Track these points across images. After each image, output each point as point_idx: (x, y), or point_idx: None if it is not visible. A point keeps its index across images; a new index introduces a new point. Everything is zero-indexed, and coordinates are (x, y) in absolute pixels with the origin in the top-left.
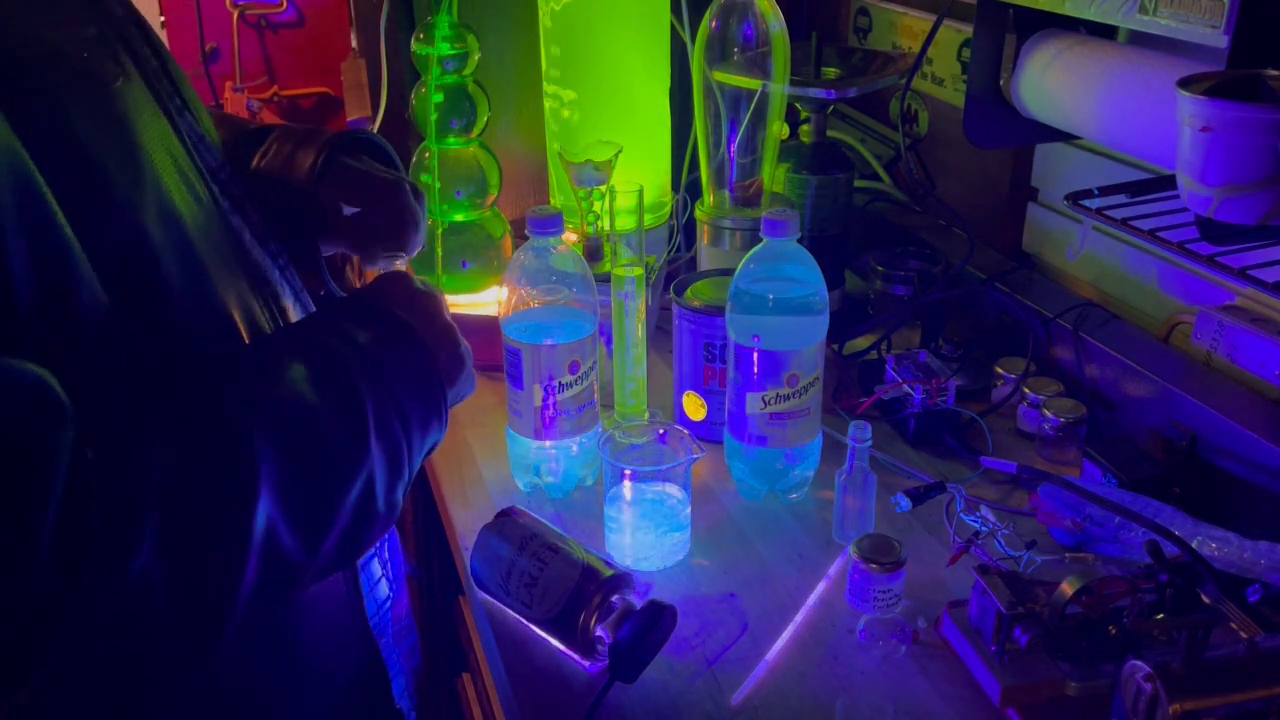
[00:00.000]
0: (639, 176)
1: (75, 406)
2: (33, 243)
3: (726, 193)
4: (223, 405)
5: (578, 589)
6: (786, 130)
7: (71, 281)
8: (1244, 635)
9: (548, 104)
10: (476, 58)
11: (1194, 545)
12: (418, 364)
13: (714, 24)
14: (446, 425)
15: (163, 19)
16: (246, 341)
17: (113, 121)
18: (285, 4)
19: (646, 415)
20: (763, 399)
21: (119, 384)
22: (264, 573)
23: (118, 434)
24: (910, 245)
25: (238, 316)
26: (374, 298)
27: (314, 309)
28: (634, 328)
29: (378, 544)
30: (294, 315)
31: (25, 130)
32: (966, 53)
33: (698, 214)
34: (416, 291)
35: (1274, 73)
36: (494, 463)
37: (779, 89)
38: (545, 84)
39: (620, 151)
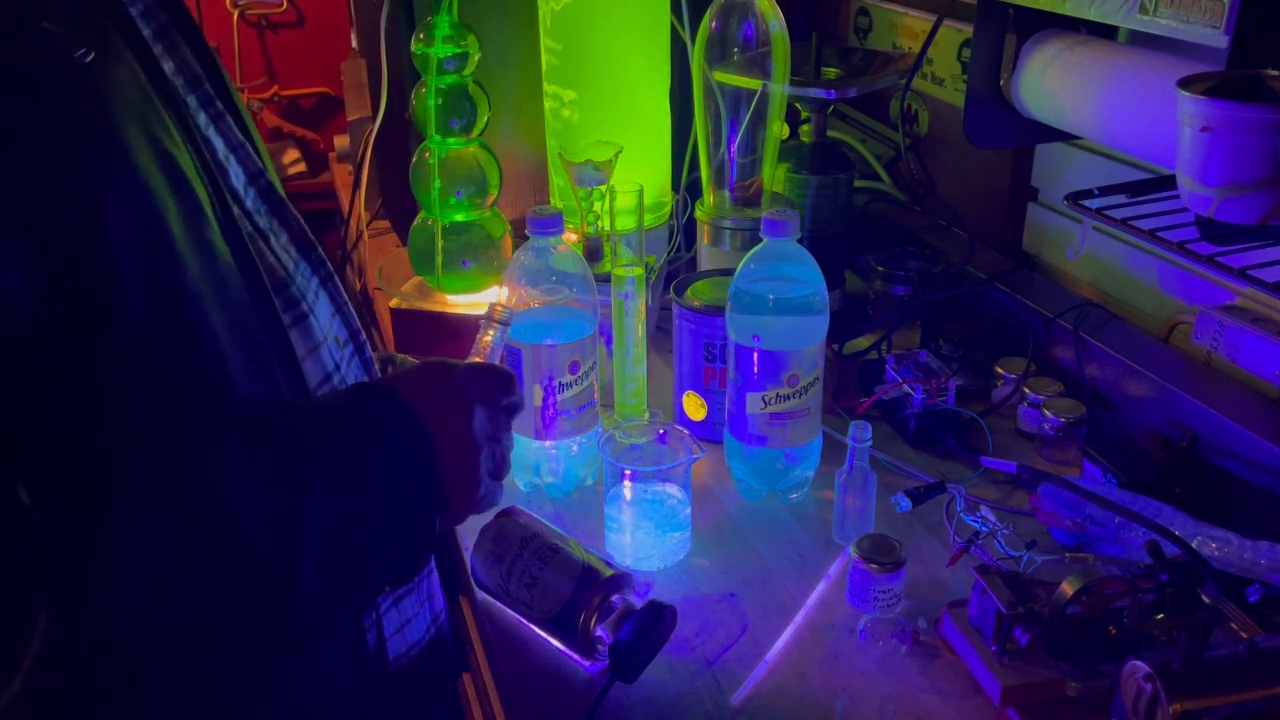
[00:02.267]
0: (639, 176)
1: None
2: None
3: (726, 193)
4: (120, 475)
5: (578, 589)
6: (786, 130)
7: None
8: (1244, 635)
9: (548, 104)
10: (476, 58)
11: (1194, 545)
12: (410, 480)
13: (714, 24)
14: (431, 548)
15: None
16: (225, 354)
17: (74, 98)
18: (285, 4)
19: (646, 415)
20: (763, 399)
21: (24, 401)
22: (83, 649)
23: None
24: (910, 245)
25: (220, 324)
26: (402, 390)
27: (356, 323)
28: (634, 328)
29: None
30: (319, 329)
31: None
32: (966, 53)
33: (698, 214)
34: (452, 401)
35: (1274, 73)
36: None
37: (779, 89)
38: (545, 84)
39: (620, 151)
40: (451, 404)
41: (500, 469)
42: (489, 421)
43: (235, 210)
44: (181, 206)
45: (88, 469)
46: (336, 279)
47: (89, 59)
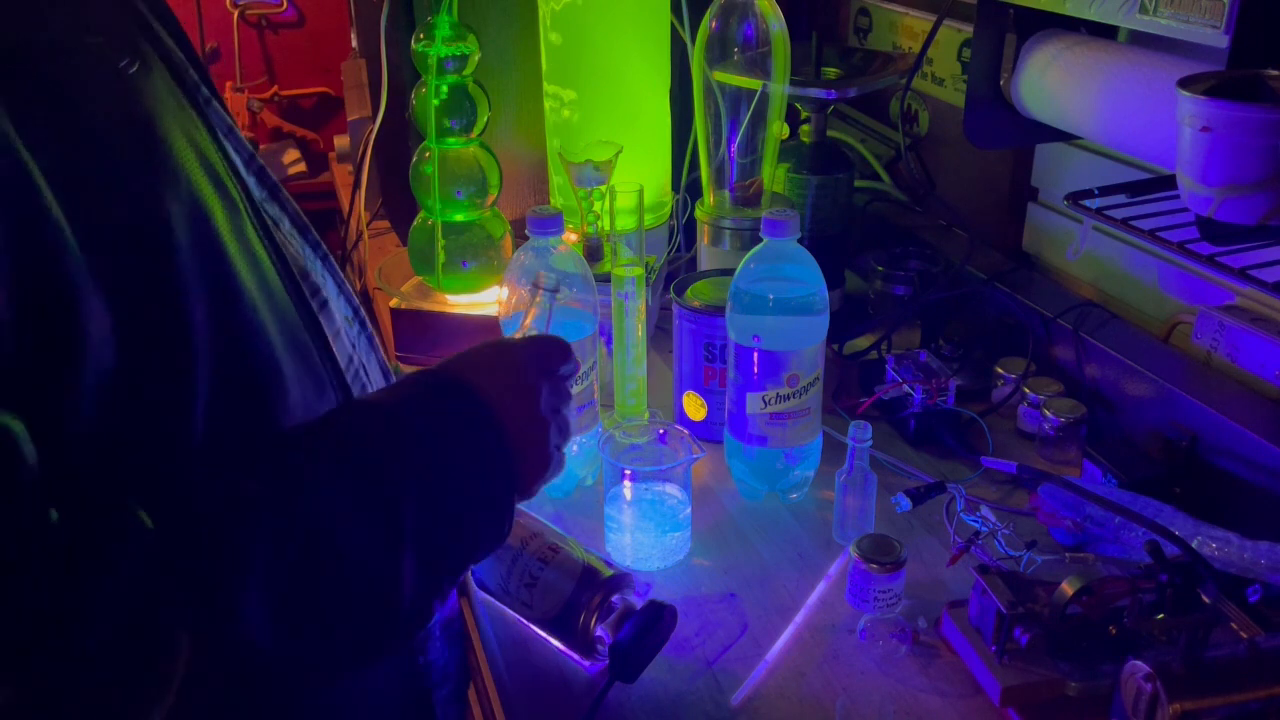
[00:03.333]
0: (639, 176)
1: (53, 459)
2: (23, 261)
3: (726, 193)
4: (223, 499)
5: (578, 589)
6: (786, 130)
7: (64, 297)
8: (1244, 635)
9: (548, 104)
10: (476, 58)
11: (1194, 545)
12: (489, 469)
13: (714, 24)
14: (510, 529)
15: None
16: (277, 350)
17: (129, 112)
18: (285, 4)
19: (646, 415)
20: (763, 399)
21: (116, 430)
22: (220, 664)
23: (95, 504)
24: (910, 245)
25: (269, 321)
26: (468, 376)
27: (355, 300)
28: (634, 328)
29: None
30: (335, 310)
31: (25, 120)
32: (966, 53)
33: (698, 214)
34: (518, 380)
35: (1274, 73)
36: None
37: (779, 89)
38: (545, 84)
39: (620, 151)
40: (517, 384)
41: (565, 438)
42: (552, 394)
43: (258, 196)
44: (224, 207)
45: (182, 491)
46: (331, 257)
47: (133, 70)
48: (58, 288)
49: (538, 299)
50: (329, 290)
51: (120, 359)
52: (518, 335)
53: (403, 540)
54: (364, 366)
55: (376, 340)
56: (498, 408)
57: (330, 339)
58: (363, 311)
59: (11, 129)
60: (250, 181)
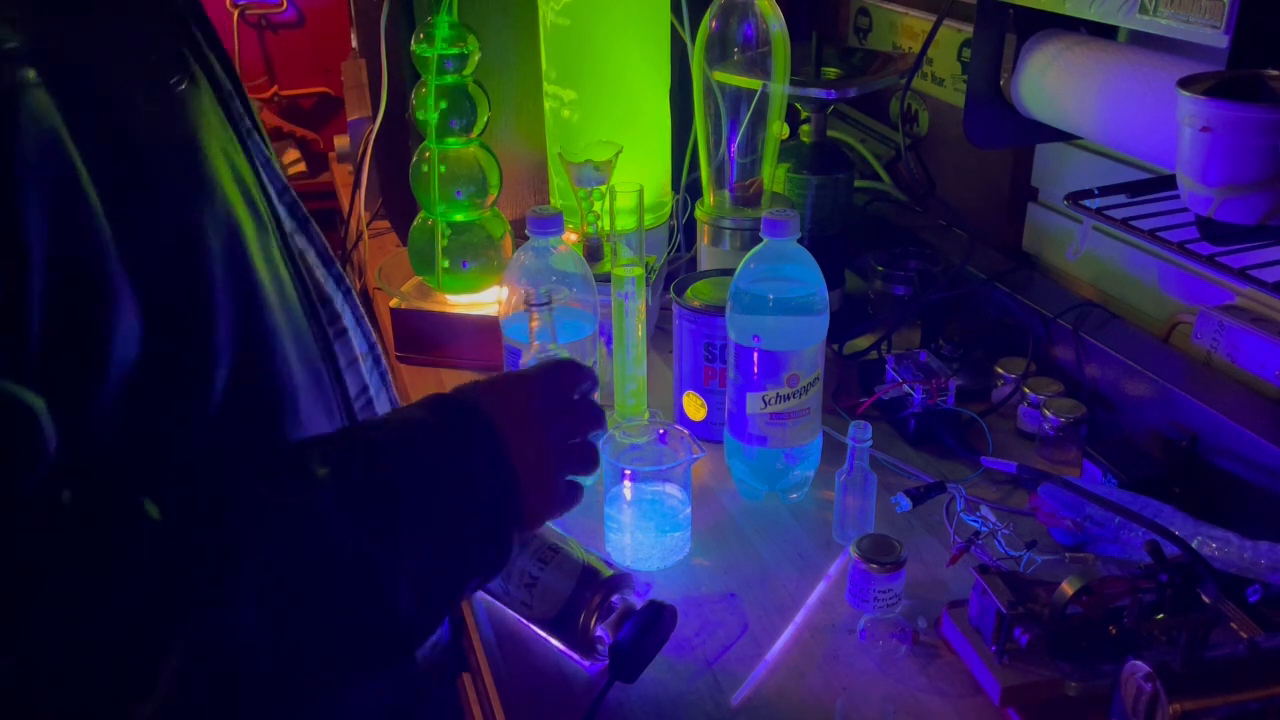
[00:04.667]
0: (639, 176)
1: (71, 443)
2: (60, 251)
3: (726, 193)
4: (228, 500)
5: (578, 589)
6: (786, 130)
7: (96, 288)
8: (1244, 635)
9: (548, 104)
10: (476, 58)
11: (1194, 545)
12: (490, 496)
13: (714, 24)
14: (508, 559)
15: None
16: (292, 368)
17: (173, 124)
18: (285, 4)
19: (646, 415)
20: (763, 399)
21: (135, 424)
22: (212, 666)
23: (107, 490)
24: (910, 245)
25: (287, 339)
26: (481, 401)
27: (373, 335)
28: (634, 328)
29: None
30: (353, 341)
31: (77, 123)
32: (966, 53)
33: (698, 214)
34: (530, 409)
35: (1274, 73)
36: None
37: (779, 89)
38: (545, 84)
39: (620, 151)
40: (529, 413)
41: (587, 463)
42: (569, 424)
43: (287, 227)
44: (255, 226)
45: (189, 489)
46: (354, 293)
47: (181, 86)
48: (91, 280)
49: (534, 316)
50: (348, 321)
51: (144, 354)
52: (528, 356)
53: (398, 555)
54: (373, 399)
55: (390, 378)
56: (505, 435)
57: (343, 367)
58: (379, 348)
59: (64, 127)
60: (281, 211)
